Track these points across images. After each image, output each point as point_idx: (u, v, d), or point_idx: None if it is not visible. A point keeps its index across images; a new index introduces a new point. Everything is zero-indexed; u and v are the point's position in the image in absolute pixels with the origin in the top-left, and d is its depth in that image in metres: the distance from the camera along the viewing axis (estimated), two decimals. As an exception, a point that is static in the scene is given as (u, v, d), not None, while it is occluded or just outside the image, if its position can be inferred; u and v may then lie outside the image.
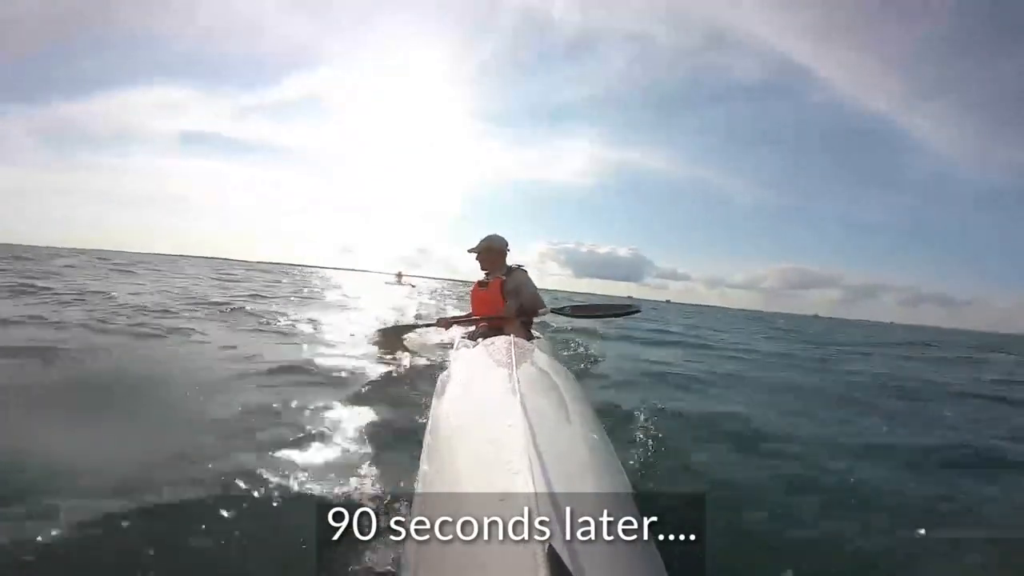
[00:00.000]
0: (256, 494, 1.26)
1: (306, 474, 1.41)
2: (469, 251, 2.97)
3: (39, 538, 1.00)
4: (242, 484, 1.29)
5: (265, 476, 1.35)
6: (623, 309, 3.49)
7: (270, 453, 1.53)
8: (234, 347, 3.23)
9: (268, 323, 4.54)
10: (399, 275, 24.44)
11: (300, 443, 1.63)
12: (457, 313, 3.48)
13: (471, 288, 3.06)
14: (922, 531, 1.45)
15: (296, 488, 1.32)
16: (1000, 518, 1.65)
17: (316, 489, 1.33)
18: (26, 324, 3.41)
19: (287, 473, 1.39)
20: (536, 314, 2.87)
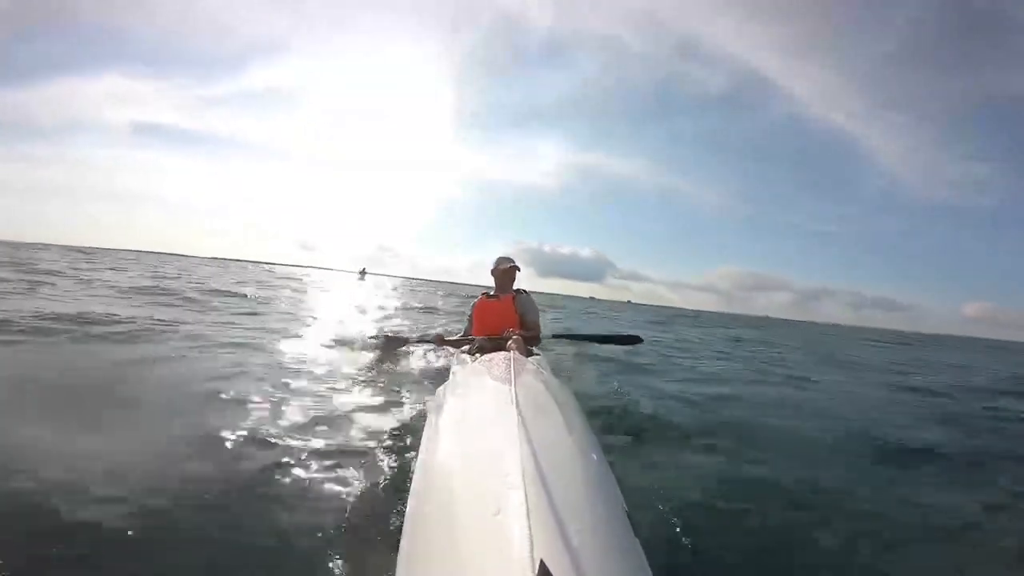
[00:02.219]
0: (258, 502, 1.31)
1: (305, 479, 1.44)
2: (492, 272, 3.01)
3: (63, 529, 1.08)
4: (241, 494, 1.33)
5: (266, 480, 1.40)
6: (625, 339, 3.59)
7: (276, 457, 1.57)
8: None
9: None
10: (363, 271, 25.77)
11: (300, 447, 1.66)
12: (449, 334, 3.61)
13: (476, 301, 3.11)
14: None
15: (295, 492, 1.35)
16: None
17: (314, 493, 1.37)
18: None
19: (288, 478, 1.43)
20: (533, 339, 2.86)
